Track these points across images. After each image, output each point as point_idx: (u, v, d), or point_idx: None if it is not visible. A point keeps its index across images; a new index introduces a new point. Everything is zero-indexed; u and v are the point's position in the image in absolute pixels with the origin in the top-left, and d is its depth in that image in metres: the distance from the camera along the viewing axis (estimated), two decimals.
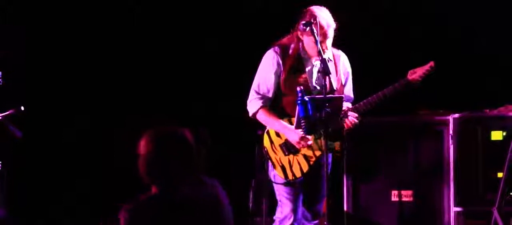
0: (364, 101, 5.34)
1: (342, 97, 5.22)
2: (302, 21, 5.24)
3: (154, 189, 3.66)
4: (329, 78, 5.12)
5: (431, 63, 5.35)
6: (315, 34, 5.13)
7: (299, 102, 5.03)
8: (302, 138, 5.22)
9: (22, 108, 6.20)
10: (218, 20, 7.67)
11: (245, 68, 5.69)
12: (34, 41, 7.68)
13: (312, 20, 5.16)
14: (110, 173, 7.72)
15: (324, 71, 5.06)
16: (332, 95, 5.18)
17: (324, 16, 5.25)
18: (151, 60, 7.82)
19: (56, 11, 7.72)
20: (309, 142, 5.24)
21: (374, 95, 5.31)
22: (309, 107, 5.01)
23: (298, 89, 5.03)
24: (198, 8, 7.74)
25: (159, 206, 3.59)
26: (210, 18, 7.70)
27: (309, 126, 5.06)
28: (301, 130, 5.16)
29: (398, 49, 7.32)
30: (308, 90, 5.21)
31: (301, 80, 5.31)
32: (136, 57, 7.78)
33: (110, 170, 7.71)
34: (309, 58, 5.35)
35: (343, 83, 5.46)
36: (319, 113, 4.99)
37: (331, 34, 5.28)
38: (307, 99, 5.01)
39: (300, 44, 5.33)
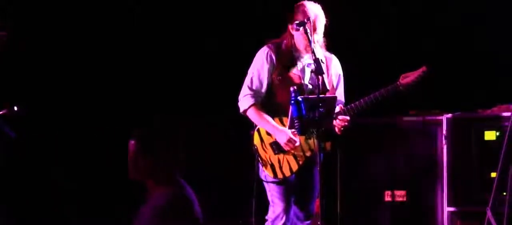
0: (355, 103, 5.31)
1: (335, 97, 5.20)
2: (294, 15, 5.26)
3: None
4: (322, 78, 5.11)
5: (424, 68, 5.32)
6: (309, 34, 5.12)
7: (292, 102, 5.01)
8: (289, 140, 5.22)
9: (16, 108, 6.18)
10: (218, 20, 7.68)
11: (245, 68, 5.68)
12: (31, 40, 7.67)
13: (305, 20, 5.16)
14: (106, 173, 7.72)
15: (318, 71, 5.05)
16: (325, 95, 5.16)
17: (313, 8, 5.26)
18: (150, 60, 7.82)
19: (54, 10, 7.72)
20: (296, 144, 5.23)
21: (366, 98, 5.28)
22: (303, 107, 4.99)
23: (291, 89, 5.01)
24: (198, 8, 7.75)
25: None
26: (210, 18, 7.71)
27: (303, 126, 5.05)
28: (294, 130, 5.15)
29: (395, 49, 7.33)
30: (300, 88, 5.21)
31: (293, 76, 5.30)
32: (135, 57, 7.78)
33: (106, 170, 7.71)
34: (301, 55, 5.34)
35: (335, 86, 5.45)
36: (313, 113, 4.98)
37: (320, 27, 5.27)
38: (300, 99, 4.99)
39: (293, 40, 5.33)
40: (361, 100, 5.28)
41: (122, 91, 7.78)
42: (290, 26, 5.32)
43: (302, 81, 5.31)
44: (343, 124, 5.24)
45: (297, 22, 5.20)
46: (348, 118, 5.26)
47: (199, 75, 7.75)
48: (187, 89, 7.75)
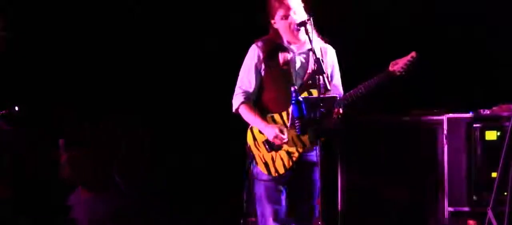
0: (345, 94, 5.27)
1: (336, 97, 5.19)
2: (272, 4, 5.28)
3: None
4: (323, 77, 5.08)
5: (413, 53, 5.25)
6: (310, 34, 5.12)
7: (293, 102, 5.01)
8: (276, 136, 5.21)
9: (16, 108, 6.19)
10: (218, 20, 7.67)
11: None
12: (31, 40, 7.66)
13: (306, 20, 5.16)
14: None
15: (318, 70, 5.04)
16: (326, 95, 5.13)
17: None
18: (150, 60, 7.82)
19: (53, 10, 7.71)
20: (285, 140, 5.21)
21: (355, 88, 5.22)
22: (303, 107, 4.99)
23: (292, 89, 5.01)
24: (198, 8, 7.74)
25: None
26: (210, 18, 7.71)
27: (303, 126, 5.05)
28: (293, 129, 5.14)
29: (395, 48, 7.32)
30: (289, 81, 5.20)
31: (282, 71, 5.29)
32: (135, 57, 7.77)
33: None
34: (289, 47, 5.34)
35: (329, 78, 5.39)
36: (313, 113, 4.97)
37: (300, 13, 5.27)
38: (301, 99, 4.99)
39: (278, 32, 5.33)
40: (352, 91, 5.22)
41: (122, 91, 7.78)
42: (272, 21, 5.32)
43: (292, 71, 5.30)
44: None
45: (297, 22, 5.20)
46: (335, 111, 5.21)
47: (199, 75, 7.75)
48: (188, 89, 7.75)
